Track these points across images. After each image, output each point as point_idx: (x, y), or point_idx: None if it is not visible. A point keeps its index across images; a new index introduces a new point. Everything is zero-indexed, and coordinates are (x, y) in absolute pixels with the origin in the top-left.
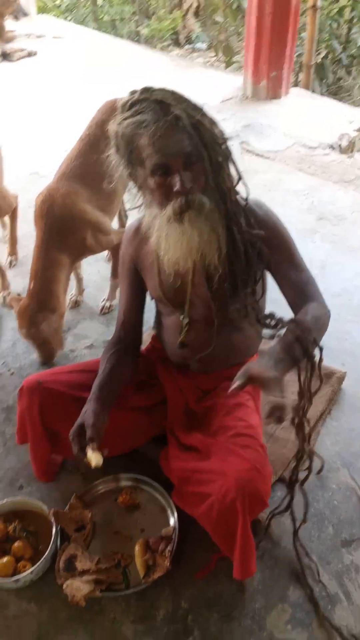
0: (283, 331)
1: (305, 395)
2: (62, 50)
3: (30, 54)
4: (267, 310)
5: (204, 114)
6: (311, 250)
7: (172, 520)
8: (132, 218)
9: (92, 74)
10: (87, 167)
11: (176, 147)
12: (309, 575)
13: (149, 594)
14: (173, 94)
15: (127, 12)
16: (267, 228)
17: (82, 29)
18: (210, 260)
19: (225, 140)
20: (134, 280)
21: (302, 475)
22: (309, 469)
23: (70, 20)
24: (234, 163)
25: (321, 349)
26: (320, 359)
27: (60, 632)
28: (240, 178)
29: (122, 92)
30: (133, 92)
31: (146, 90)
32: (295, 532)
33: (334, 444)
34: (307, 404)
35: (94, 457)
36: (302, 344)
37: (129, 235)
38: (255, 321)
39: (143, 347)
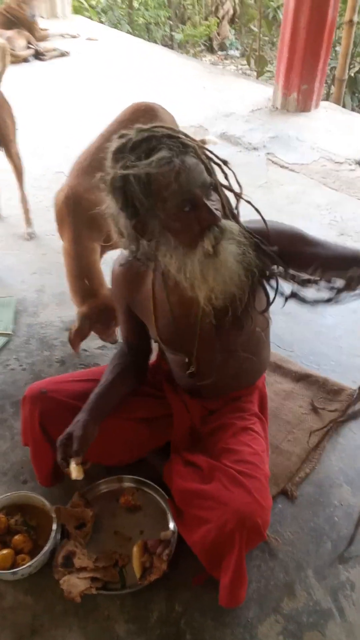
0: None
1: None
2: (95, 52)
3: (62, 54)
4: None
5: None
6: (311, 305)
7: (172, 524)
8: None
9: (123, 77)
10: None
11: (200, 179)
12: (302, 589)
13: (144, 595)
14: (170, 127)
15: (162, 16)
16: (275, 234)
17: (116, 32)
18: (242, 288)
19: (221, 162)
20: (131, 316)
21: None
22: None
23: (105, 21)
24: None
25: None
26: None
27: (55, 625)
28: (238, 199)
29: (152, 97)
30: (124, 135)
31: (143, 129)
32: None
33: (338, 460)
34: None
35: (75, 471)
36: None
37: (118, 280)
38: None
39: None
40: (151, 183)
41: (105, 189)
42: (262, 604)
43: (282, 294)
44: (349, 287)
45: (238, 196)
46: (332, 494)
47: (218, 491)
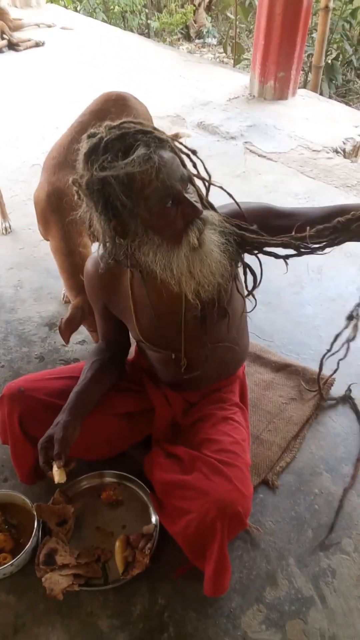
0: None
1: None
2: (71, 42)
3: (37, 44)
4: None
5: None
6: (309, 255)
7: (154, 518)
8: None
9: (99, 67)
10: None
11: (178, 173)
12: (284, 577)
13: (127, 589)
14: (141, 123)
15: (138, 4)
16: (248, 213)
17: (91, 20)
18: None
19: (190, 152)
20: (108, 316)
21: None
22: None
23: (80, 10)
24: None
25: None
26: None
27: (37, 624)
28: (209, 186)
29: (129, 86)
30: (94, 135)
31: (113, 127)
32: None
33: (318, 448)
34: None
35: (57, 474)
36: None
37: (92, 281)
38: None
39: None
40: (132, 182)
41: (80, 192)
42: (244, 594)
43: (279, 256)
44: (339, 229)
45: (210, 184)
46: (313, 483)
47: (199, 481)
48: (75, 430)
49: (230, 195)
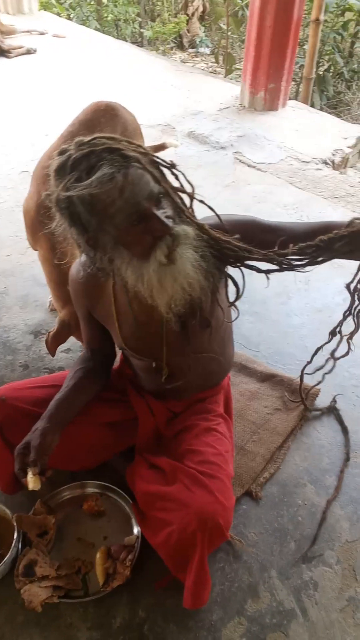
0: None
1: None
2: (63, 50)
3: (29, 51)
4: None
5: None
6: (290, 271)
7: (136, 530)
8: None
9: (91, 75)
10: None
11: (146, 190)
12: (266, 590)
13: (107, 601)
14: (113, 138)
15: (132, 12)
16: (230, 226)
17: (84, 29)
18: (203, 291)
19: (168, 165)
20: (92, 322)
21: None
22: None
23: (73, 17)
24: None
25: None
26: None
27: (16, 635)
28: (192, 198)
29: (120, 95)
30: (64, 152)
31: (83, 143)
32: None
33: (303, 459)
34: None
35: (32, 481)
36: None
37: (77, 287)
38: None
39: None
40: (95, 202)
41: (52, 207)
42: (225, 607)
43: (261, 270)
44: (321, 248)
45: (191, 197)
46: (296, 494)
47: (180, 492)
48: (54, 437)
49: (211, 208)
